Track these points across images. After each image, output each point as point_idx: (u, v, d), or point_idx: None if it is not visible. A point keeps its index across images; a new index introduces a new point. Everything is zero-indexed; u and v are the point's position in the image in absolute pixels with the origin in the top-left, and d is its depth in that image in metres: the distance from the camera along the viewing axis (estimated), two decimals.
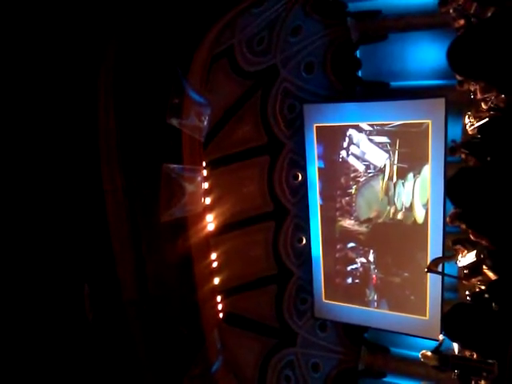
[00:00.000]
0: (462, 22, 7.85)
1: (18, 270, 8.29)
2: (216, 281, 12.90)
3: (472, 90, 8.23)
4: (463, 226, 6.50)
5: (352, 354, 14.58)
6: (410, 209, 12.45)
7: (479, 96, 7.62)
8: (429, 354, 7.79)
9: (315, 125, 13.10)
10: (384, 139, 12.43)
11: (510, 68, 4.93)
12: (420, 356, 8.01)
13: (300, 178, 13.89)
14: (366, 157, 12.82)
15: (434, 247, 12.06)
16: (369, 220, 13.16)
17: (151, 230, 10.66)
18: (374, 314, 13.53)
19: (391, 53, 12.57)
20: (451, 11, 8.30)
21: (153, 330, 10.48)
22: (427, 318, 12.68)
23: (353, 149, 12.93)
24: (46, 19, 8.00)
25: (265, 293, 14.02)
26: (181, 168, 11.20)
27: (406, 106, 12.06)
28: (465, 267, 7.65)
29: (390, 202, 12.70)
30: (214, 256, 12.76)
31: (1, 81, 7.87)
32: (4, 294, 8.00)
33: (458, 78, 8.13)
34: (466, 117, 8.73)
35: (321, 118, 13.07)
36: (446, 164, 11.38)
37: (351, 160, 13.04)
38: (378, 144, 12.57)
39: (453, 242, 8.24)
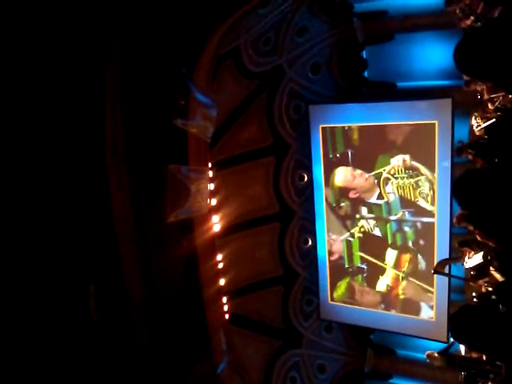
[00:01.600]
0: (468, 21, 7.83)
1: (23, 270, 8.32)
2: (222, 282, 12.90)
3: (479, 90, 8.20)
4: (470, 227, 6.46)
5: (358, 356, 14.54)
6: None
7: (486, 96, 7.59)
8: (435, 354, 7.76)
9: (321, 125, 13.09)
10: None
11: None
12: (426, 356, 7.98)
13: (306, 178, 13.87)
14: None
15: (440, 248, 12.01)
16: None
17: (157, 231, 10.66)
18: (380, 315, 13.49)
19: (397, 53, 12.54)
20: (457, 11, 8.29)
21: (158, 331, 10.48)
22: (434, 319, 12.63)
23: None
24: (52, 20, 8.03)
25: (271, 294, 14.00)
26: (187, 169, 11.20)
27: (412, 106, 12.02)
28: (472, 269, 7.61)
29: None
30: (219, 257, 12.76)
31: (9, 81, 7.91)
32: (9, 293, 8.03)
33: (465, 78, 8.11)
34: (473, 117, 8.69)
35: (326, 118, 13.05)
36: (453, 165, 11.33)
37: None
38: None
39: (460, 244, 8.20)
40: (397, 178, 12.35)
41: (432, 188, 11.96)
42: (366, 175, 12.74)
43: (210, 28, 10.42)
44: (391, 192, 12.49)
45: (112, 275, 9.82)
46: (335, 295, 13.92)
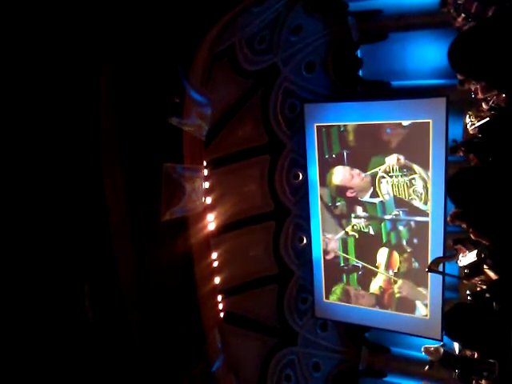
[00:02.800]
0: (460, 19, 7.87)
1: (18, 270, 8.29)
2: (216, 280, 12.90)
3: (473, 89, 8.24)
4: (464, 226, 6.49)
5: (353, 354, 14.59)
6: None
7: (480, 95, 7.61)
8: (431, 348, 7.81)
9: (316, 124, 13.10)
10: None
11: (511, 67, 4.92)
12: (422, 350, 8.03)
13: (301, 177, 13.89)
14: None
15: (434, 247, 12.06)
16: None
17: (152, 230, 10.64)
18: (375, 313, 13.53)
19: (392, 52, 12.57)
20: (451, 10, 8.32)
21: (153, 329, 10.48)
22: (428, 317, 12.68)
23: None
24: (46, 19, 8.00)
25: (265, 292, 14.02)
26: (181, 167, 11.19)
27: (406, 105, 12.06)
28: (466, 267, 7.66)
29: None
30: (214, 255, 12.76)
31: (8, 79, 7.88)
32: (3, 293, 8.00)
33: (459, 77, 8.14)
34: (467, 116, 8.74)
35: (321, 117, 13.07)
36: (447, 163, 11.38)
37: None
38: None
39: (454, 242, 8.25)
40: (391, 177, 12.41)
41: (426, 187, 12.02)
42: (363, 174, 12.79)
43: (204, 26, 10.40)
44: (386, 191, 12.54)
45: (107, 274, 9.80)
46: (331, 299, 13.98)
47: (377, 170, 12.56)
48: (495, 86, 6.27)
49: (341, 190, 13.28)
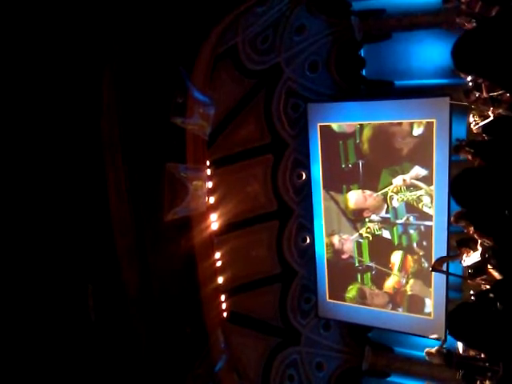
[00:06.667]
0: (464, 20, 7.85)
1: (22, 270, 8.31)
2: (220, 280, 12.90)
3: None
4: (468, 226, 6.48)
5: (356, 354, 14.57)
6: None
7: (484, 95, 7.60)
8: (433, 351, 7.78)
9: (319, 124, 13.09)
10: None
11: None
12: (425, 354, 8.00)
13: (304, 177, 13.88)
14: None
15: (438, 246, 12.04)
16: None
17: (155, 230, 10.66)
18: (378, 313, 13.51)
19: (395, 52, 12.55)
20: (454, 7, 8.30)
21: (156, 329, 10.49)
22: (432, 317, 12.66)
23: None
24: (49, 20, 8.02)
25: (269, 292, 14.01)
26: (185, 167, 11.20)
27: (410, 104, 12.04)
28: (469, 267, 7.64)
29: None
30: (217, 255, 12.76)
31: (9, 84, 7.90)
32: (8, 293, 8.03)
33: (463, 76, 8.11)
34: (471, 116, 8.71)
35: (325, 117, 13.06)
36: (451, 163, 11.36)
37: None
38: None
39: (458, 242, 8.22)
40: (400, 196, 12.60)
41: (433, 200, 12.12)
42: (375, 194, 12.95)
43: (208, 26, 10.41)
44: (398, 206, 12.77)
45: (110, 274, 9.81)
46: (346, 297, 14.00)
47: (386, 190, 12.76)
48: (499, 85, 6.26)
49: (358, 213, 13.43)
